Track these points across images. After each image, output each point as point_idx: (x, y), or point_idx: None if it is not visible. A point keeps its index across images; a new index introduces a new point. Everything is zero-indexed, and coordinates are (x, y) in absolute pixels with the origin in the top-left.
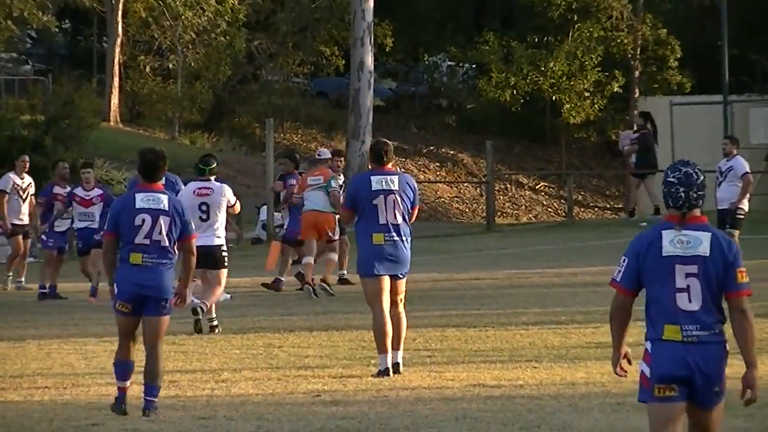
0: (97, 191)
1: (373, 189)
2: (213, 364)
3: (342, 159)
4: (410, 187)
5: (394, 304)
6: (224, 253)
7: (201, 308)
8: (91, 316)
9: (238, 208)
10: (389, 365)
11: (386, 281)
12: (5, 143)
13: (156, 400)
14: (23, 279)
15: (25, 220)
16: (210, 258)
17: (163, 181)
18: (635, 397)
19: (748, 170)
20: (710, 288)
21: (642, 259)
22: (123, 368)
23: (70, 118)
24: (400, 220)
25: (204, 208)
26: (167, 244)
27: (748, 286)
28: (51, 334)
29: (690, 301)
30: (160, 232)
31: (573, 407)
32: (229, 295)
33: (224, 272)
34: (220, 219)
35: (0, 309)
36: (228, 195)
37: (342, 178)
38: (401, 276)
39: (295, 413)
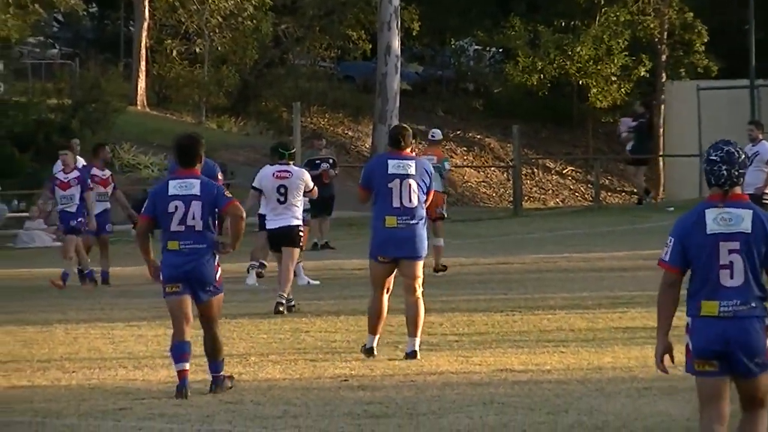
0: (75, 173)
1: (389, 173)
2: (240, 349)
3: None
4: (427, 172)
5: (411, 289)
6: (300, 234)
7: (281, 303)
8: (118, 300)
9: (316, 192)
10: (374, 345)
11: (391, 266)
12: (32, 127)
13: (221, 374)
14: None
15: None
16: (287, 237)
17: (201, 167)
18: (662, 382)
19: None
20: (752, 264)
21: (687, 237)
22: (179, 350)
23: (96, 102)
24: (415, 203)
25: (282, 190)
26: (202, 228)
27: None
28: (78, 319)
29: (732, 278)
30: (194, 218)
31: (600, 392)
32: (312, 281)
33: (297, 251)
34: (298, 201)
35: (27, 293)
36: (306, 179)
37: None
38: (416, 258)
39: (322, 398)
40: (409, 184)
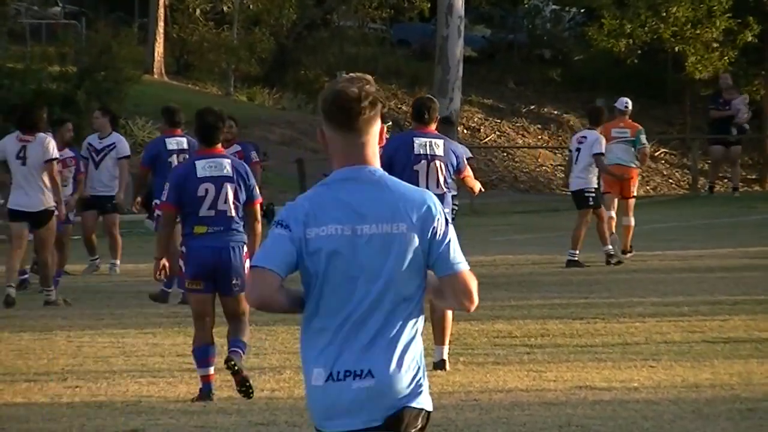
0: (69, 153)
1: (415, 153)
2: (274, 362)
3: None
4: (455, 154)
5: None
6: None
7: None
8: (130, 303)
9: None
10: None
11: None
12: (30, 97)
13: (242, 351)
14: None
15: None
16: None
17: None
18: None
19: None
20: None
21: None
22: (203, 354)
23: (106, 70)
24: (443, 189)
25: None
26: (234, 213)
27: None
28: (82, 325)
29: None
30: (225, 201)
31: (697, 413)
32: None
33: None
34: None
35: (22, 295)
36: None
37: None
38: None
39: None
40: (437, 168)
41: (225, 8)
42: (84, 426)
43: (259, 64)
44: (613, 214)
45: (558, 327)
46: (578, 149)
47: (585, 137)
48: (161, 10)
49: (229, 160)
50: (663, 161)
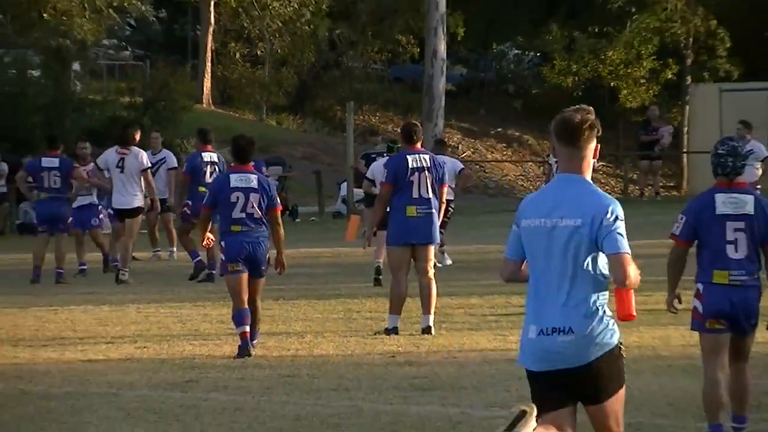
0: (90, 166)
1: (410, 167)
2: (297, 328)
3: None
4: (439, 166)
5: (424, 272)
6: (451, 208)
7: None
8: (185, 282)
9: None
10: (398, 325)
11: (410, 251)
12: (107, 123)
13: (256, 341)
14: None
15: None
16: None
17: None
18: (684, 360)
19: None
20: (753, 241)
21: (698, 217)
22: (241, 316)
23: (166, 101)
24: (431, 194)
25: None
26: (259, 215)
27: None
28: (149, 299)
29: (736, 251)
30: (252, 206)
31: (627, 369)
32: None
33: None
34: (450, 180)
35: (101, 276)
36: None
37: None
38: (431, 243)
39: (372, 372)
40: (426, 177)
41: (258, 52)
42: (151, 378)
43: (285, 97)
44: None
45: (518, 301)
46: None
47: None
48: (208, 54)
49: (255, 176)
50: (601, 172)
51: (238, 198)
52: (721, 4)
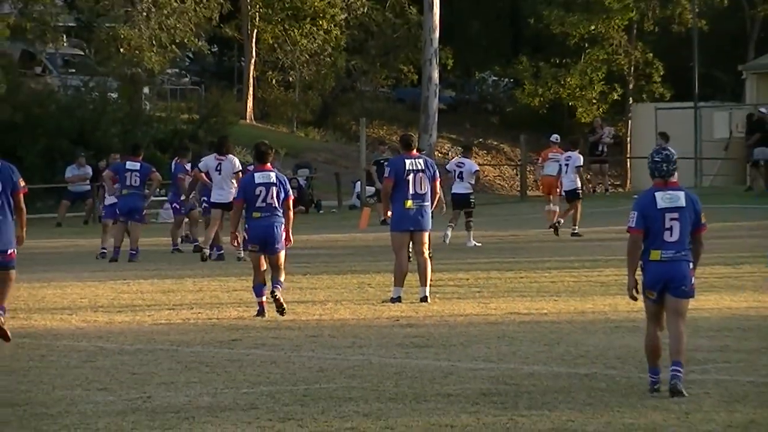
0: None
1: (406, 169)
2: (320, 297)
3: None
4: (431, 166)
5: (420, 253)
6: (472, 200)
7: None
8: (233, 262)
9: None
10: (401, 294)
11: (408, 236)
12: (169, 135)
13: (280, 286)
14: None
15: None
16: (464, 202)
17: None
18: (629, 323)
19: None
20: (684, 227)
21: (645, 210)
22: (258, 288)
23: (216, 117)
24: (425, 190)
25: (460, 171)
26: (276, 204)
27: (706, 225)
28: (202, 274)
29: (671, 236)
30: (271, 197)
31: (583, 329)
32: (478, 243)
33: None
34: (467, 178)
35: (166, 255)
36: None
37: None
38: (425, 230)
39: (381, 333)
40: (420, 177)
41: (290, 78)
42: (203, 337)
43: (311, 114)
44: (552, 206)
45: (497, 275)
46: (566, 164)
47: (570, 156)
48: (251, 80)
49: (274, 173)
50: None
51: (261, 191)
52: (656, 41)
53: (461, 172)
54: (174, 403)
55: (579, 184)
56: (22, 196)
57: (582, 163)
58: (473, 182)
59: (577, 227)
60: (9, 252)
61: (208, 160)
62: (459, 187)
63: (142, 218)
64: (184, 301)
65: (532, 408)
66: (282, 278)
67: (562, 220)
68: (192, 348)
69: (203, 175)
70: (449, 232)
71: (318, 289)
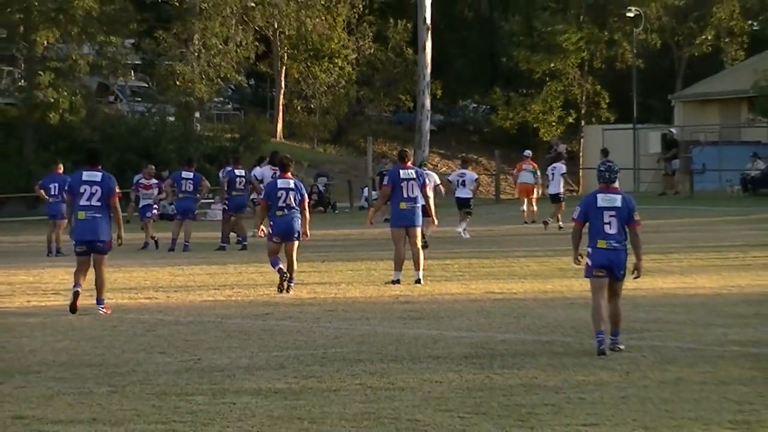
0: (155, 181)
1: (401, 177)
2: (335, 279)
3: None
4: (421, 176)
5: (414, 244)
6: (471, 202)
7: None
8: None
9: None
10: (400, 278)
11: (404, 231)
12: (216, 151)
13: (292, 284)
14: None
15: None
16: (465, 204)
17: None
18: (582, 300)
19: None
20: (621, 222)
21: (588, 207)
22: (275, 261)
23: (253, 136)
24: (416, 194)
25: (462, 180)
26: (295, 205)
27: (639, 222)
28: (240, 261)
29: (611, 229)
30: (290, 199)
31: (545, 305)
32: (467, 236)
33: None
34: (469, 185)
35: (212, 247)
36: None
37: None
38: (417, 226)
39: (384, 308)
40: (413, 183)
41: (312, 105)
42: (242, 312)
43: (328, 133)
44: (525, 207)
45: (477, 262)
46: (552, 173)
47: (555, 167)
48: (280, 106)
49: (293, 180)
50: None
51: (282, 194)
52: (603, 75)
53: (463, 181)
54: (219, 364)
55: (561, 190)
56: (116, 199)
57: (566, 171)
58: (474, 188)
59: (551, 220)
60: (106, 242)
61: (265, 170)
62: (462, 192)
63: (194, 217)
64: (227, 283)
65: (505, 368)
66: (294, 274)
67: (551, 219)
68: (233, 320)
69: (257, 182)
70: (460, 229)
71: (333, 272)
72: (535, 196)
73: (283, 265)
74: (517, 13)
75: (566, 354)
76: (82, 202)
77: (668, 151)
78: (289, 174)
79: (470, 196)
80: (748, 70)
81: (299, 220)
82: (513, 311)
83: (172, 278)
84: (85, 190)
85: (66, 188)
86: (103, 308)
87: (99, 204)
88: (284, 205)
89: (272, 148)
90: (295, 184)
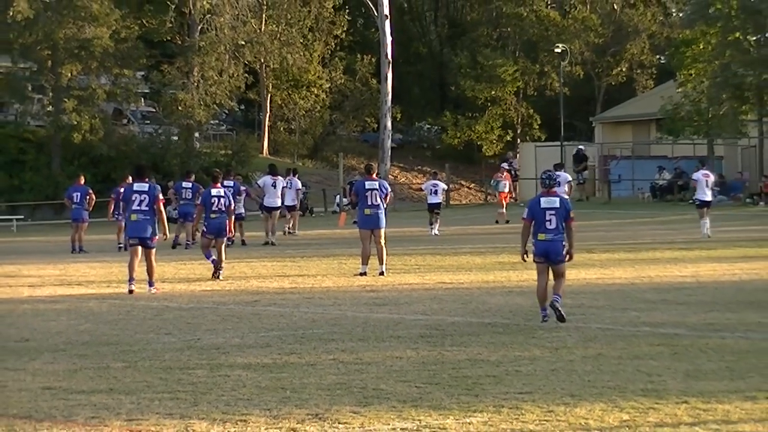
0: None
1: (366, 188)
2: (312, 272)
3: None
4: (383, 187)
5: (378, 243)
6: (441, 206)
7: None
8: (259, 251)
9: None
10: (366, 270)
11: (369, 232)
12: (212, 164)
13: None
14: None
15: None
16: (436, 207)
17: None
18: (519, 289)
19: (570, 179)
20: (559, 219)
21: (533, 208)
22: (208, 254)
23: (243, 152)
24: (378, 201)
25: (435, 189)
26: (224, 209)
27: (573, 218)
28: (256, 257)
29: (551, 225)
30: (222, 204)
31: (487, 293)
32: (438, 233)
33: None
34: (440, 193)
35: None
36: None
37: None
38: (380, 228)
39: (354, 296)
40: (376, 192)
41: (292, 126)
42: (234, 298)
43: (307, 150)
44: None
45: (430, 257)
46: (557, 181)
47: (559, 175)
48: (266, 128)
49: (224, 189)
50: (473, 189)
51: (215, 201)
52: (535, 101)
53: (436, 190)
54: (215, 343)
55: (567, 197)
56: (160, 204)
57: (570, 179)
58: (444, 195)
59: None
60: (153, 239)
61: (266, 178)
62: (433, 198)
63: (192, 221)
64: (251, 274)
65: (454, 345)
66: (222, 265)
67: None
68: (227, 306)
69: (258, 188)
70: (435, 231)
71: (311, 266)
72: (504, 201)
73: (215, 256)
74: (464, 49)
75: (505, 333)
76: (134, 207)
77: (579, 164)
78: (219, 184)
79: (440, 201)
80: (656, 96)
81: (228, 222)
82: (461, 298)
83: (176, 271)
84: (135, 197)
85: (122, 197)
86: (154, 289)
87: (147, 209)
88: (217, 209)
89: (260, 162)
90: (225, 192)
